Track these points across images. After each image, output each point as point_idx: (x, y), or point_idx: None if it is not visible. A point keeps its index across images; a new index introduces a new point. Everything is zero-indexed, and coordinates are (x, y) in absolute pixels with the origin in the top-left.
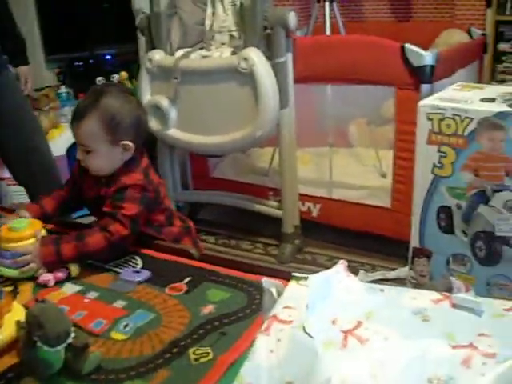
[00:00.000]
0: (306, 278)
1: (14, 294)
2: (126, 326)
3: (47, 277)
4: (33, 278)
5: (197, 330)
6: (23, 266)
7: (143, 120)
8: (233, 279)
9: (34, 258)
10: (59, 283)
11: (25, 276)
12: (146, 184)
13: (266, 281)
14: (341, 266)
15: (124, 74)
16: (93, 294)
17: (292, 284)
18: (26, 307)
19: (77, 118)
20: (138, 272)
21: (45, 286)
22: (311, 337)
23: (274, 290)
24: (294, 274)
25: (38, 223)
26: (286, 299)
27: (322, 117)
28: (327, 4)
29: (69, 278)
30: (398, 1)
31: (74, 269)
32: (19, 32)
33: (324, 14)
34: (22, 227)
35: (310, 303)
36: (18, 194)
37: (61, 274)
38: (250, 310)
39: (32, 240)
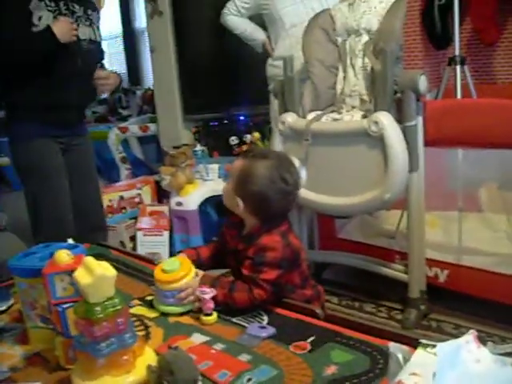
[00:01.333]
0: (433, 346)
1: (147, 339)
2: (249, 379)
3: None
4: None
5: None
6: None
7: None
8: (357, 341)
9: (192, 293)
10: (188, 333)
11: (186, 310)
12: (285, 246)
13: (394, 346)
14: (471, 336)
15: (256, 134)
16: (219, 346)
17: (419, 351)
18: (157, 352)
19: (245, 154)
20: (263, 327)
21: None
22: None
23: (400, 356)
24: (421, 340)
25: (188, 262)
26: (413, 366)
27: (452, 180)
28: (458, 67)
29: (198, 329)
30: None
31: None
32: None
33: (455, 77)
34: (175, 269)
35: (437, 371)
36: (153, 243)
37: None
38: (373, 374)
39: (188, 277)
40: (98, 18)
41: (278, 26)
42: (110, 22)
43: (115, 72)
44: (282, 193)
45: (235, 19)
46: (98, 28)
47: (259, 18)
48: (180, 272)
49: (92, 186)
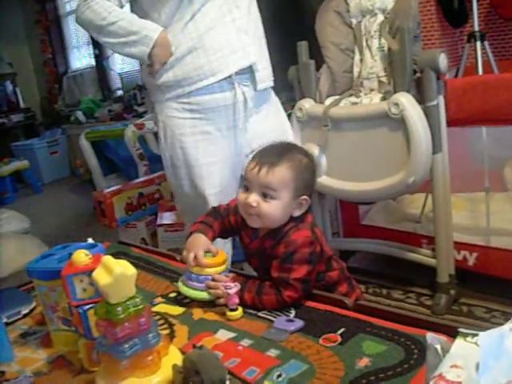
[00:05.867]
0: (474, 335)
1: (171, 337)
2: (279, 375)
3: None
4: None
5: (352, 383)
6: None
7: (316, 178)
8: (388, 331)
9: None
10: (214, 329)
11: (210, 299)
12: (314, 240)
13: (431, 336)
14: None
15: None
16: (246, 342)
17: (459, 341)
18: (182, 351)
19: (268, 163)
20: (291, 321)
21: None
22: None
23: (438, 347)
24: (460, 329)
25: (224, 254)
26: (453, 357)
27: (477, 160)
28: (478, 43)
29: (223, 325)
30: None
31: None
32: None
33: (475, 54)
34: (213, 255)
35: (481, 363)
36: (175, 239)
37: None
38: (408, 366)
39: (222, 268)
40: None
41: None
42: None
43: None
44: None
45: None
46: None
47: None
48: (218, 259)
49: None
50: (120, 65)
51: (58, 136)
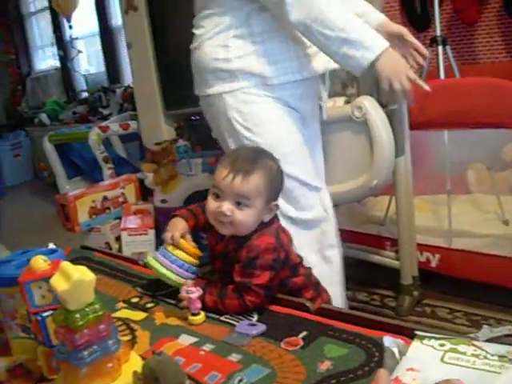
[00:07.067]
0: (430, 338)
1: (133, 343)
2: (240, 380)
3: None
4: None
5: None
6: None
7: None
8: (350, 334)
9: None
10: (176, 334)
11: (171, 282)
12: (278, 247)
13: (388, 339)
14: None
15: None
16: (208, 347)
17: (416, 343)
18: (143, 357)
19: (242, 171)
20: (253, 325)
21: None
22: None
23: (395, 350)
24: (417, 332)
25: (198, 251)
26: (410, 360)
27: (439, 163)
28: (440, 48)
29: (185, 330)
30: None
31: None
32: None
33: (437, 58)
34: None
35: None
36: (139, 243)
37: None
38: (369, 368)
39: (195, 261)
40: None
41: None
42: (86, 20)
43: None
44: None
45: None
46: None
47: None
48: (194, 250)
49: None
50: (85, 66)
51: (21, 138)
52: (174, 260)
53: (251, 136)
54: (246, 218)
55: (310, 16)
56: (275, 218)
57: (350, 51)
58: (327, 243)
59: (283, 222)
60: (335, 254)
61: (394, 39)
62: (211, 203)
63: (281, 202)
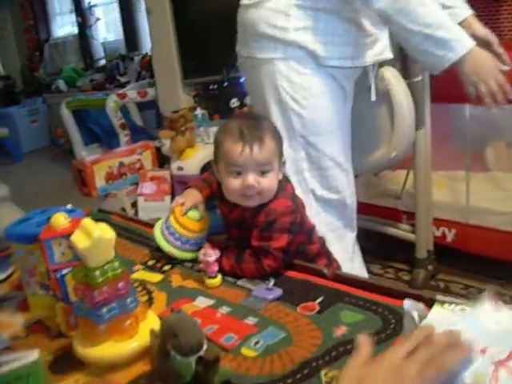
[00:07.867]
0: (451, 303)
1: (149, 303)
2: (256, 342)
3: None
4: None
5: (329, 351)
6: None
7: None
8: (367, 301)
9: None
10: (193, 296)
11: (176, 256)
12: (294, 209)
13: (408, 303)
14: (488, 296)
15: None
16: (225, 309)
17: (436, 308)
18: (160, 317)
19: (256, 140)
20: (270, 289)
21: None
22: None
23: (415, 314)
24: (437, 297)
25: (206, 222)
26: (430, 323)
27: (459, 139)
28: None
29: (202, 292)
30: None
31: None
32: None
33: None
34: (198, 218)
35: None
36: (155, 209)
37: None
38: (385, 335)
39: (198, 235)
40: None
41: None
42: None
43: None
44: None
45: None
46: None
47: None
48: (197, 226)
49: None
50: (103, 34)
51: (38, 105)
52: (178, 237)
53: (298, 109)
54: (271, 182)
55: (393, 7)
56: (287, 181)
57: (433, 49)
58: (346, 225)
59: (304, 197)
60: (352, 237)
61: (479, 43)
62: (233, 182)
63: (308, 176)
